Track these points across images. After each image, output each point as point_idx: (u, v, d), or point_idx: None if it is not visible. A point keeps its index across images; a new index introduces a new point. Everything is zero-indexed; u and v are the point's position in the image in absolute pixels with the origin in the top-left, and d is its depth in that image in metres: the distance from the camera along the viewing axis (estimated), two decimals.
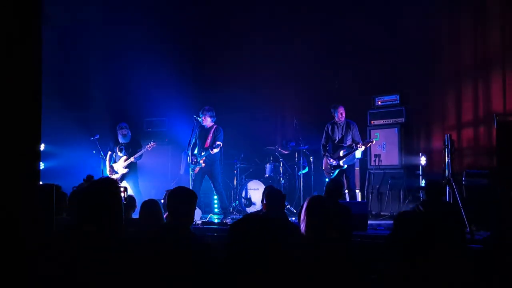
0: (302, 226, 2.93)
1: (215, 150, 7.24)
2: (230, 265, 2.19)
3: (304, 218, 2.94)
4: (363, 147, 7.69)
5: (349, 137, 7.71)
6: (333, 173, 7.71)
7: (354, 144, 7.59)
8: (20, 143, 2.07)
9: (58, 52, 9.38)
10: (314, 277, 2.67)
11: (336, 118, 7.80)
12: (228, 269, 2.21)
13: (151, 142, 8.06)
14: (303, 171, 8.81)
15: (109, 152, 8.37)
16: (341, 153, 7.65)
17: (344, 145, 7.68)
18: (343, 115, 7.75)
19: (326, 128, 7.96)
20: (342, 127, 7.81)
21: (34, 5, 2.12)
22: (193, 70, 10.46)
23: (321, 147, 7.97)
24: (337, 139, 7.80)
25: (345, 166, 7.64)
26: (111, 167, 8.26)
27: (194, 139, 7.48)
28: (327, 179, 7.65)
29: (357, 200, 7.89)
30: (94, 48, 10.14)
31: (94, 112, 9.97)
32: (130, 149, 8.20)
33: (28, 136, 2.09)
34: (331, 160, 7.73)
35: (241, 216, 3.45)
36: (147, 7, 10.04)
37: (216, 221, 7.67)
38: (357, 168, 8.61)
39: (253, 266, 2.12)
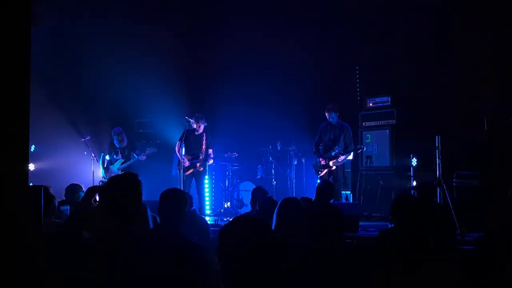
0: (272, 225, 2.93)
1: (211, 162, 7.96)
2: (221, 269, 2.18)
3: (274, 217, 2.96)
4: (351, 154, 7.77)
5: (341, 139, 7.75)
6: (321, 171, 7.76)
7: (344, 148, 7.66)
8: (8, 144, 2.04)
9: (49, 53, 9.31)
10: None
11: (328, 119, 7.86)
12: (221, 272, 2.19)
13: (143, 156, 8.22)
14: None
15: (102, 154, 8.36)
16: (331, 154, 7.70)
17: (335, 146, 7.72)
18: (334, 119, 7.81)
19: (320, 127, 8.03)
20: (335, 128, 7.84)
21: (23, 5, 2.10)
22: (184, 71, 10.41)
23: (314, 144, 8.05)
24: (329, 139, 7.85)
25: (334, 167, 7.69)
26: (107, 168, 8.24)
27: (184, 143, 7.60)
28: (318, 180, 7.69)
29: (343, 201, 7.92)
30: (85, 49, 10.06)
31: (85, 113, 9.90)
32: (126, 152, 8.33)
33: (16, 137, 2.07)
34: (321, 159, 7.80)
35: (231, 219, 3.43)
36: (139, 9, 9.98)
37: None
38: (348, 170, 8.64)
39: (245, 268, 2.11)
